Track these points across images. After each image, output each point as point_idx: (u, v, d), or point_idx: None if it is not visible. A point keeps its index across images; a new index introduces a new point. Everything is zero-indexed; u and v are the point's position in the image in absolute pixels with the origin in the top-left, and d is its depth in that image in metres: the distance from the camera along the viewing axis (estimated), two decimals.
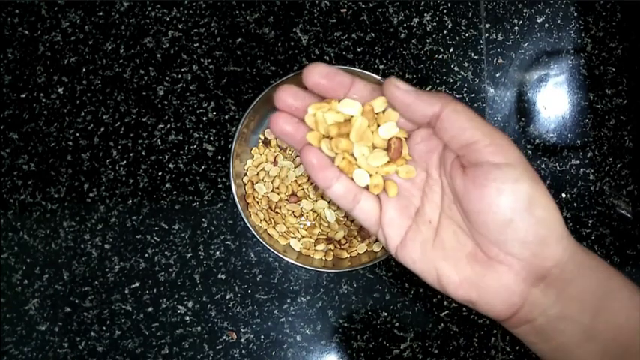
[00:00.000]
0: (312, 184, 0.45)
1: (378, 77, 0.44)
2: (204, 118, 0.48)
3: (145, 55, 0.49)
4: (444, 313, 0.47)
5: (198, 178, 0.48)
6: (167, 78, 0.48)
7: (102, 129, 0.48)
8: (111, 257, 0.47)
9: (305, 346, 0.46)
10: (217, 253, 0.47)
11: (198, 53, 0.49)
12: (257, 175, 0.46)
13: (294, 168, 0.46)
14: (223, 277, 0.47)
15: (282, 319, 0.46)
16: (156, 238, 0.47)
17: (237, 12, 0.49)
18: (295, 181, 0.45)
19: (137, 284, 0.47)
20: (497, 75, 0.49)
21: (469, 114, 0.26)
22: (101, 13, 0.49)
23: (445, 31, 0.49)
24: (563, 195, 0.48)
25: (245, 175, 0.46)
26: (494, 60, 0.49)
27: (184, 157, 0.48)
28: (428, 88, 0.48)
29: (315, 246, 0.45)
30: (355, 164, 0.28)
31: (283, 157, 0.46)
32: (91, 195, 0.48)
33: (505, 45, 0.49)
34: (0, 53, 0.49)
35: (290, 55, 0.49)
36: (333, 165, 0.28)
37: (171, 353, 0.46)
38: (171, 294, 0.47)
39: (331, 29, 0.49)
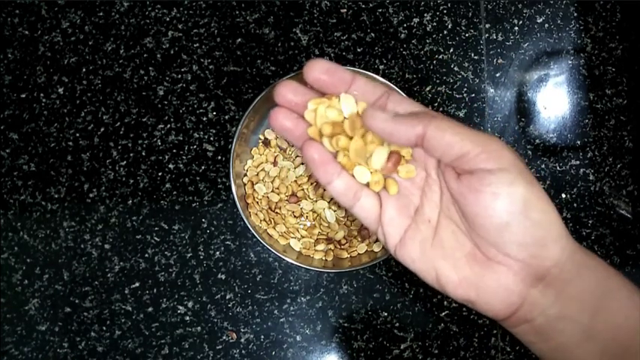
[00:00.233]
0: (312, 184, 0.45)
1: (379, 78, 0.44)
2: (204, 118, 0.48)
3: (145, 55, 0.49)
4: (444, 313, 0.47)
5: (198, 178, 0.48)
6: (167, 78, 0.48)
7: (102, 129, 0.48)
8: (111, 257, 0.47)
9: (305, 346, 0.46)
10: (217, 253, 0.47)
11: (198, 53, 0.49)
12: (257, 175, 0.46)
13: (294, 168, 0.46)
14: (223, 277, 0.47)
15: (282, 319, 0.46)
16: (156, 238, 0.47)
17: (237, 12, 0.49)
18: (295, 181, 0.45)
19: (137, 284, 0.47)
20: (497, 75, 0.49)
21: (454, 127, 0.25)
22: (101, 13, 0.49)
23: (445, 31, 0.49)
24: (563, 195, 0.48)
25: (245, 175, 0.46)
26: (494, 60, 0.49)
27: (184, 157, 0.48)
28: (428, 89, 0.48)
29: (315, 246, 0.45)
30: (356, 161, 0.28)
31: (283, 158, 0.46)
32: (91, 195, 0.48)
33: (505, 45, 0.49)
34: (0, 53, 0.49)
35: (290, 55, 0.49)
36: (335, 160, 0.28)
37: (171, 353, 0.46)
38: (171, 294, 0.47)
39: (331, 29, 0.49)
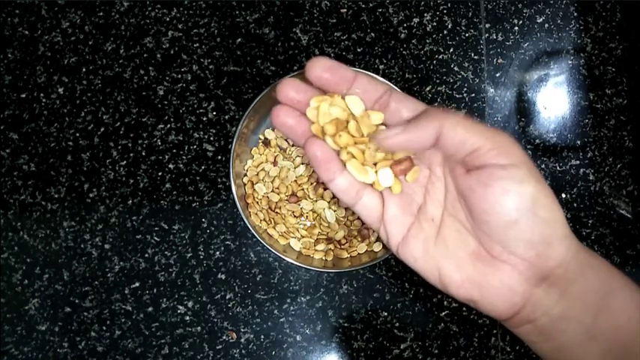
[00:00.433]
0: (312, 184, 0.45)
1: (379, 78, 0.44)
2: (204, 118, 0.48)
3: (145, 55, 0.49)
4: (444, 313, 0.47)
5: (198, 178, 0.48)
6: (167, 78, 0.48)
7: (102, 129, 0.48)
8: (111, 257, 0.47)
9: (305, 346, 0.46)
10: (217, 253, 0.47)
11: (198, 53, 0.49)
12: (257, 175, 0.46)
13: (294, 168, 0.46)
14: (223, 277, 0.47)
15: (282, 319, 0.46)
16: (156, 238, 0.47)
17: (237, 12, 0.49)
18: (295, 181, 0.45)
19: (137, 284, 0.47)
20: (497, 75, 0.49)
21: (466, 123, 0.25)
22: (101, 13, 0.49)
23: (445, 31, 0.49)
24: (563, 195, 0.48)
25: (245, 175, 0.46)
26: (494, 60, 0.49)
27: (184, 157, 0.48)
28: (428, 89, 0.48)
29: (315, 246, 0.45)
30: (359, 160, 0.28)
31: (283, 157, 0.46)
32: (91, 195, 0.48)
33: (505, 45, 0.49)
34: (0, 53, 0.49)
35: (290, 55, 0.49)
36: (337, 158, 0.28)
37: (171, 353, 0.46)
38: (171, 294, 0.47)
39: (331, 29, 0.49)
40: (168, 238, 0.47)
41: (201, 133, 0.48)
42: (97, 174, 0.48)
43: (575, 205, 0.48)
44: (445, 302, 0.47)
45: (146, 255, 0.47)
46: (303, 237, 0.45)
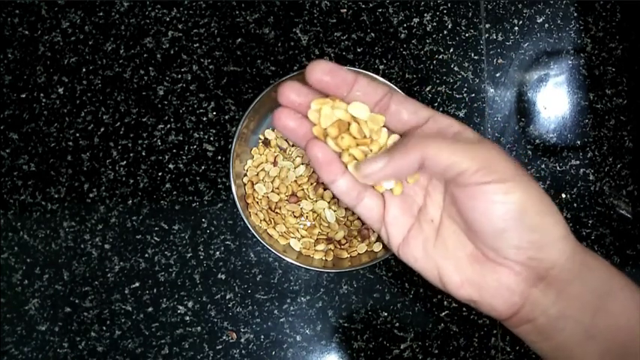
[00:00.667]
0: (312, 184, 0.45)
1: (379, 78, 0.44)
2: (204, 118, 0.48)
3: (145, 55, 0.49)
4: (444, 313, 0.47)
5: (198, 178, 0.48)
6: (167, 78, 0.48)
7: (102, 129, 0.48)
8: (111, 257, 0.47)
9: (305, 346, 0.46)
10: (217, 253, 0.47)
11: (198, 53, 0.49)
12: (257, 175, 0.46)
13: (294, 168, 0.46)
14: (223, 277, 0.47)
15: (282, 319, 0.46)
16: (156, 238, 0.47)
17: (237, 12, 0.49)
18: (295, 181, 0.45)
19: (137, 284, 0.47)
20: (497, 75, 0.49)
21: (449, 148, 0.25)
22: (101, 13, 0.49)
23: (445, 31, 0.49)
24: (563, 195, 0.48)
25: (245, 175, 0.46)
26: (494, 60, 0.49)
27: (184, 157, 0.48)
28: (428, 89, 0.48)
29: (315, 246, 0.45)
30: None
31: (283, 158, 0.46)
32: (91, 195, 0.48)
33: (505, 45, 0.49)
34: (0, 53, 0.49)
35: (290, 55, 0.49)
36: (339, 160, 0.28)
37: (171, 353, 0.46)
38: (171, 294, 0.47)
39: (331, 29, 0.49)
40: (168, 238, 0.47)
41: (201, 133, 0.48)
42: (97, 174, 0.48)
43: (575, 205, 0.48)
44: (445, 302, 0.47)
45: (146, 255, 0.47)
46: (303, 237, 0.45)
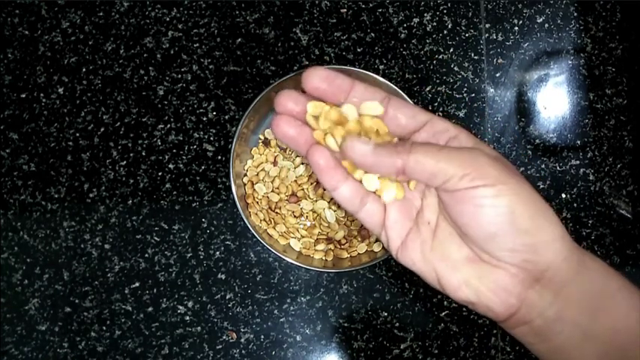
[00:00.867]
0: (312, 184, 0.45)
1: (379, 78, 0.43)
2: (204, 118, 0.48)
3: (145, 55, 0.49)
4: (444, 313, 0.47)
5: (198, 178, 0.48)
6: (167, 78, 0.48)
7: (102, 129, 0.48)
8: (111, 257, 0.47)
9: (305, 346, 0.46)
10: (217, 253, 0.47)
11: (198, 53, 0.49)
12: (257, 175, 0.46)
13: (294, 168, 0.46)
14: (223, 277, 0.47)
15: (282, 319, 0.46)
16: (156, 238, 0.47)
17: (237, 12, 0.49)
18: (295, 181, 0.45)
19: (137, 284, 0.47)
20: (497, 75, 0.49)
21: (436, 155, 0.25)
22: (101, 13, 0.49)
23: (445, 31, 0.49)
24: (563, 195, 0.48)
25: (245, 175, 0.46)
26: (494, 60, 0.49)
27: (184, 157, 0.48)
28: (428, 89, 0.48)
29: (315, 246, 0.45)
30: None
31: (283, 157, 0.46)
32: (91, 195, 0.48)
33: (505, 45, 0.49)
34: (0, 53, 0.49)
35: (290, 55, 0.49)
36: (341, 166, 0.27)
37: (171, 353, 0.46)
38: (171, 294, 0.47)
39: (331, 29, 0.49)
40: (168, 238, 0.47)
41: (201, 133, 0.48)
42: (97, 174, 0.48)
43: (575, 205, 0.48)
44: (445, 302, 0.47)
45: (146, 255, 0.47)
46: (303, 237, 0.45)
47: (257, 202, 0.45)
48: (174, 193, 0.48)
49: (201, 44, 0.49)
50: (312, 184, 0.45)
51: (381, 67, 0.49)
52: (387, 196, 0.28)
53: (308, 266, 0.43)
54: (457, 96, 0.49)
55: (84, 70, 0.49)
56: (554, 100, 0.49)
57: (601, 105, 0.49)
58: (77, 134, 0.48)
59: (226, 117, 0.48)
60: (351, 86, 0.27)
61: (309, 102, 0.28)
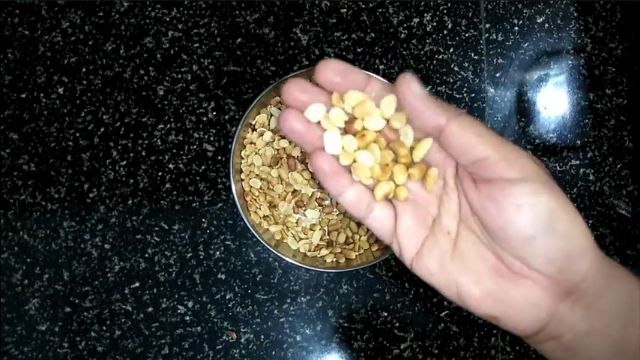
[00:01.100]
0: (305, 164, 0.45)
1: (379, 78, 0.43)
2: (204, 118, 0.48)
3: (145, 55, 0.49)
4: (444, 313, 0.47)
5: (198, 178, 0.48)
6: (167, 78, 0.48)
7: (102, 129, 0.48)
8: (111, 257, 0.47)
9: (305, 346, 0.46)
10: (217, 253, 0.47)
11: (198, 53, 0.49)
12: (249, 165, 0.45)
13: (278, 141, 0.45)
14: (223, 277, 0.47)
15: (282, 319, 0.46)
16: (156, 238, 0.47)
17: (237, 12, 0.49)
18: (284, 148, 0.45)
19: (137, 284, 0.47)
20: (497, 75, 0.49)
21: (477, 128, 0.24)
22: (101, 13, 0.49)
23: (445, 31, 0.49)
24: None
25: (241, 171, 0.46)
26: (494, 60, 0.49)
27: (184, 157, 0.48)
28: (428, 89, 0.48)
29: (319, 248, 0.45)
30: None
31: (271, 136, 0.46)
32: (91, 195, 0.48)
33: (505, 45, 0.49)
34: (0, 53, 0.49)
35: (290, 55, 0.49)
36: (346, 171, 0.26)
37: (171, 353, 0.46)
38: (171, 294, 0.47)
39: (331, 29, 0.49)
40: (168, 238, 0.47)
41: (201, 133, 0.48)
42: (97, 174, 0.48)
43: (575, 205, 0.48)
44: (445, 302, 0.47)
45: (146, 255, 0.47)
46: (303, 238, 0.45)
47: (255, 200, 0.45)
48: (174, 193, 0.47)
49: (201, 44, 0.49)
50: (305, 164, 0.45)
51: (381, 67, 0.49)
52: (379, 192, 0.27)
53: (308, 266, 0.43)
54: (457, 96, 0.49)
55: (84, 70, 0.49)
56: (554, 100, 0.49)
57: (601, 105, 0.49)
58: (77, 134, 0.48)
59: (226, 117, 0.48)
60: (366, 83, 0.26)
61: (319, 96, 0.26)
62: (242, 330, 0.46)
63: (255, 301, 0.47)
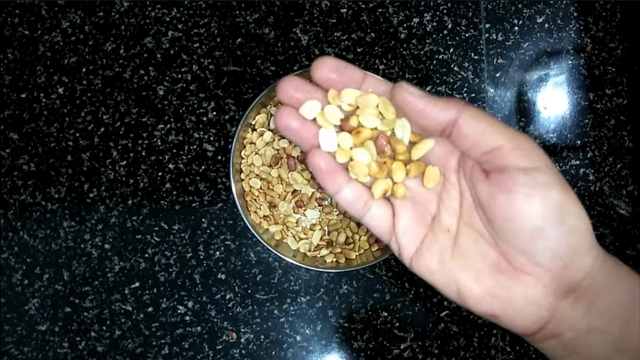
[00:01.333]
0: (318, 188, 0.45)
1: (376, 76, 0.43)
2: (204, 118, 0.48)
3: (145, 55, 0.49)
4: (444, 313, 0.47)
5: (198, 178, 0.48)
6: (167, 78, 0.48)
7: (102, 129, 0.48)
8: (111, 257, 0.47)
9: (305, 346, 0.46)
10: (217, 253, 0.47)
11: (198, 53, 0.49)
12: (249, 165, 0.45)
13: (278, 140, 0.45)
14: (223, 277, 0.47)
15: (282, 319, 0.46)
16: (156, 238, 0.47)
17: (237, 12, 0.49)
18: (284, 148, 0.45)
19: (137, 284, 0.47)
20: (497, 75, 0.49)
21: (489, 118, 0.24)
22: (101, 13, 0.49)
23: (445, 31, 0.49)
24: None
25: (241, 171, 0.46)
26: (494, 60, 0.49)
27: (184, 157, 0.48)
28: (428, 89, 0.48)
29: (320, 249, 0.45)
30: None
31: (271, 136, 0.46)
32: (91, 195, 0.48)
33: (505, 45, 0.49)
34: (0, 53, 0.49)
35: (290, 55, 0.49)
36: (343, 169, 0.26)
37: (171, 353, 0.46)
38: (171, 294, 0.47)
39: (331, 29, 0.49)
40: (168, 238, 0.47)
41: (201, 133, 0.48)
42: (97, 174, 0.48)
43: None
44: (445, 302, 0.47)
45: (146, 255, 0.47)
46: (303, 238, 0.45)
47: (255, 200, 0.45)
48: (174, 193, 0.48)
49: (201, 44, 0.49)
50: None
51: (381, 67, 0.49)
52: (377, 190, 0.26)
53: (308, 266, 0.43)
54: (457, 96, 0.49)
55: (84, 70, 0.49)
56: (554, 100, 0.49)
57: (601, 105, 0.49)
58: (77, 134, 0.48)
59: (226, 117, 0.48)
60: (362, 78, 0.26)
61: (315, 94, 0.26)
62: (242, 330, 0.46)
63: (255, 301, 0.47)
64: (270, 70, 0.48)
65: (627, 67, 0.49)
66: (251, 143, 0.45)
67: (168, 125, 0.48)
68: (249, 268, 0.47)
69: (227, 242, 0.47)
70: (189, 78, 0.48)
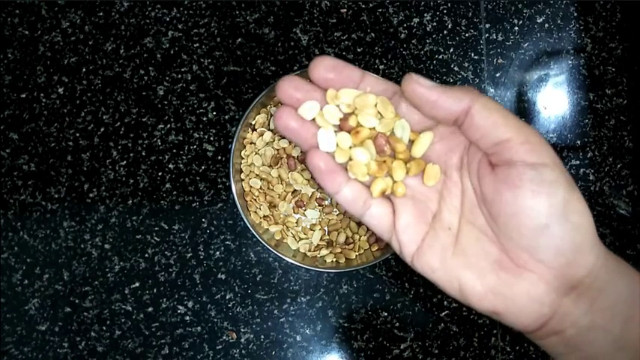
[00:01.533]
0: (318, 188, 0.45)
1: (374, 75, 0.43)
2: (204, 118, 0.48)
3: (145, 55, 0.49)
4: (444, 313, 0.47)
5: (198, 178, 0.48)
6: (167, 78, 0.48)
7: (102, 129, 0.48)
8: (111, 257, 0.47)
9: (305, 346, 0.46)
10: (217, 253, 0.47)
11: (198, 53, 0.49)
12: (249, 165, 0.45)
13: (278, 140, 0.45)
14: (223, 277, 0.47)
15: (282, 319, 0.46)
16: (156, 238, 0.47)
17: (237, 12, 0.49)
18: (284, 148, 0.45)
19: (137, 284, 0.47)
20: (497, 75, 0.49)
21: (501, 109, 0.24)
22: (101, 13, 0.49)
23: (445, 31, 0.49)
24: None
25: (241, 171, 0.46)
26: (494, 60, 0.49)
27: (184, 157, 0.48)
28: None
29: (320, 249, 0.45)
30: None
31: (270, 136, 0.46)
32: (91, 195, 0.48)
33: (505, 45, 0.49)
34: (0, 53, 0.49)
35: (290, 55, 0.49)
36: (342, 168, 0.26)
37: (171, 353, 0.46)
38: (171, 294, 0.47)
39: (331, 29, 0.49)
40: (168, 238, 0.47)
41: (201, 133, 0.48)
42: (97, 174, 0.48)
43: None
44: (445, 302, 0.47)
45: (146, 255, 0.47)
46: (303, 238, 0.45)
47: (255, 200, 0.45)
48: (174, 193, 0.48)
49: (201, 44, 0.49)
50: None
51: (381, 67, 0.49)
52: (375, 189, 0.26)
53: (308, 266, 0.43)
54: None
55: (84, 70, 0.49)
56: (554, 100, 0.49)
57: (601, 105, 0.49)
58: (77, 134, 0.48)
59: (226, 117, 0.48)
60: (361, 77, 0.26)
61: (314, 93, 0.26)
62: (242, 330, 0.46)
63: (255, 301, 0.47)
64: (270, 70, 0.48)
65: (627, 67, 0.49)
66: (251, 143, 0.45)
67: (168, 125, 0.48)
68: (249, 268, 0.47)
69: (227, 242, 0.47)
70: (189, 78, 0.48)
